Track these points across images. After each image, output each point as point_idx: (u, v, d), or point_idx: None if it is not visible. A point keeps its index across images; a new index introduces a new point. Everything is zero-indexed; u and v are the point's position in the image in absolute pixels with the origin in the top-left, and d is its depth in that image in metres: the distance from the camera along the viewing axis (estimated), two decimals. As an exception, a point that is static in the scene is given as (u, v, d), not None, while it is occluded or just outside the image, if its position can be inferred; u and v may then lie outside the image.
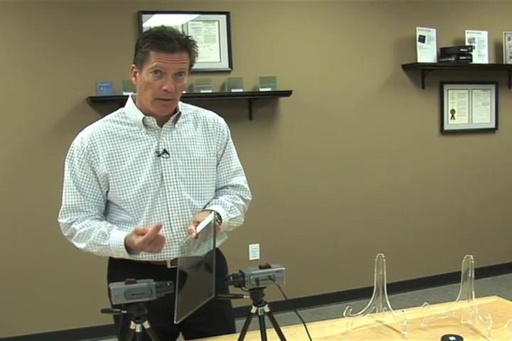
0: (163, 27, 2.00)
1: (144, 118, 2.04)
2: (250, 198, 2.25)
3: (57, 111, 4.01)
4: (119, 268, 2.09)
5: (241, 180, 2.23)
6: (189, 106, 2.18)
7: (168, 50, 1.93)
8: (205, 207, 2.08)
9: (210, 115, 2.20)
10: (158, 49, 1.93)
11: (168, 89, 1.95)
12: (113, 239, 1.96)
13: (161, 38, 1.93)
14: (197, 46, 2.03)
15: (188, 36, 2.00)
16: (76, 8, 3.98)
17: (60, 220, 2.08)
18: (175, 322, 1.68)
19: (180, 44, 1.94)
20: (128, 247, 1.94)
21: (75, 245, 2.06)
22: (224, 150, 2.18)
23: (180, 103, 2.12)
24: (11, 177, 3.96)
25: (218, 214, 2.01)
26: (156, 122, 2.04)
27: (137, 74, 2.01)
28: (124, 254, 1.96)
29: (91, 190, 2.04)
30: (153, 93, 1.98)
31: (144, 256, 2.02)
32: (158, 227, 1.84)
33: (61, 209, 2.07)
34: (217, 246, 2.17)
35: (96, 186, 2.04)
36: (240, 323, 1.82)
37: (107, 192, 2.06)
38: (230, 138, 2.22)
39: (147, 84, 1.97)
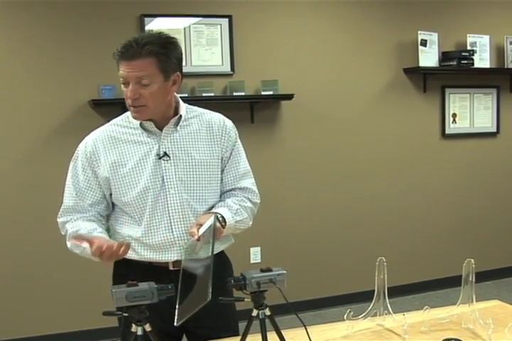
0: (142, 33, 2.02)
1: (141, 122, 2.05)
2: (259, 201, 2.24)
3: (60, 114, 4.02)
4: (123, 269, 2.10)
5: (249, 182, 2.22)
6: (195, 108, 2.18)
7: (127, 58, 1.92)
8: (210, 210, 2.09)
9: (216, 117, 2.19)
10: (121, 58, 1.94)
11: (129, 97, 1.96)
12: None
13: (123, 47, 1.93)
14: (164, 45, 1.95)
15: (149, 40, 1.93)
16: (79, 11, 3.99)
17: (58, 220, 2.12)
18: (175, 324, 1.69)
19: (139, 49, 1.90)
20: None
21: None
22: (231, 153, 2.17)
23: (185, 105, 2.12)
24: (13, 179, 3.97)
25: (223, 216, 2.01)
26: (154, 126, 2.05)
27: None
28: (97, 259, 1.92)
29: (90, 192, 2.07)
30: (126, 101, 2.00)
31: (147, 256, 2.05)
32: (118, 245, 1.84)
33: (61, 209, 2.11)
34: (223, 249, 2.19)
35: (96, 189, 2.07)
36: (241, 326, 1.82)
37: (110, 194, 2.08)
38: (238, 140, 2.21)
39: (123, 93, 2.00)
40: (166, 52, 1.95)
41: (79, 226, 2.03)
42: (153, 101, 1.99)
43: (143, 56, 1.91)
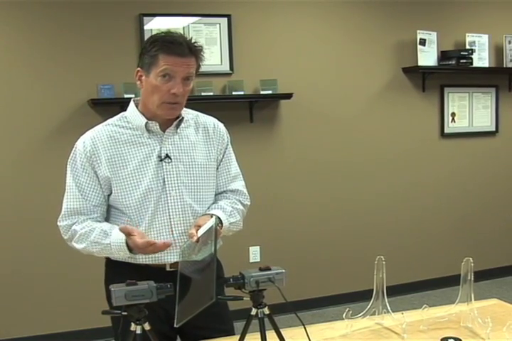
0: (170, 32, 2.03)
1: (146, 123, 2.04)
2: (249, 203, 2.26)
3: (59, 113, 4.01)
4: (117, 271, 2.09)
5: (240, 184, 2.24)
6: (190, 110, 2.18)
7: (178, 53, 1.94)
8: (205, 212, 2.09)
9: (210, 120, 2.21)
10: (168, 52, 1.94)
11: (176, 93, 1.96)
12: (114, 237, 1.94)
13: (171, 42, 1.94)
14: (204, 52, 2.04)
15: (195, 42, 2.01)
16: (77, 11, 3.99)
17: (60, 223, 2.06)
18: (175, 325, 1.68)
19: (189, 48, 1.96)
20: (129, 246, 1.93)
21: (75, 246, 2.04)
22: (223, 156, 2.19)
23: None
24: (12, 178, 3.96)
25: (219, 218, 2.01)
26: (158, 127, 2.05)
27: (143, 77, 2.01)
28: (124, 253, 1.94)
29: (94, 193, 2.03)
30: (160, 97, 1.98)
31: (143, 260, 2.03)
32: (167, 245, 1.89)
33: (62, 213, 2.06)
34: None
35: (99, 190, 2.04)
36: (239, 325, 1.82)
37: (109, 195, 2.06)
38: (229, 143, 2.23)
39: (155, 88, 1.97)
40: (203, 56, 2.04)
41: (91, 225, 2.00)
42: (184, 100, 2.04)
43: (192, 54, 1.98)
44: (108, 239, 1.96)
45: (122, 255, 1.97)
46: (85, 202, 2.03)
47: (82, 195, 2.03)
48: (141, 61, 2.01)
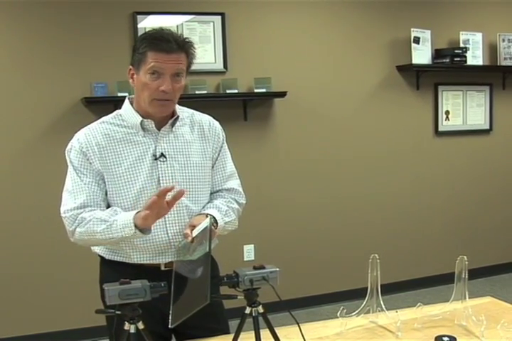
0: (161, 29, 2.00)
1: (142, 121, 2.02)
2: (244, 202, 2.25)
3: (52, 112, 4.00)
4: (111, 270, 2.08)
5: (235, 183, 2.22)
6: (185, 109, 2.17)
7: (166, 50, 1.92)
8: (200, 211, 2.07)
9: (205, 118, 2.19)
10: (155, 49, 1.92)
11: (165, 90, 1.94)
12: (122, 214, 1.91)
13: (159, 39, 1.93)
14: (194, 48, 2.03)
15: (186, 38, 2.00)
16: (71, 9, 3.97)
17: (66, 214, 1.98)
18: (170, 326, 1.67)
19: (177, 44, 1.94)
20: (135, 224, 1.86)
21: (76, 235, 1.97)
22: (219, 154, 2.18)
23: (176, 106, 2.10)
24: (6, 178, 3.94)
25: (214, 218, 2.00)
26: (154, 125, 2.03)
27: (134, 75, 2.00)
28: (130, 229, 1.86)
29: (98, 188, 1.99)
30: (150, 94, 1.96)
31: (138, 259, 2.02)
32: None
33: (68, 207, 1.98)
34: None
35: (102, 184, 2.01)
36: (234, 324, 1.82)
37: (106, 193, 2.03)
38: (224, 141, 2.22)
39: (144, 85, 1.96)
40: (194, 51, 2.02)
41: (98, 213, 1.95)
42: (176, 97, 2.02)
43: (181, 50, 1.96)
44: (115, 217, 1.91)
45: (127, 232, 1.88)
46: (92, 196, 1.98)
47: (88, 188, 1.98)
48: (132, 59, 2.01)
